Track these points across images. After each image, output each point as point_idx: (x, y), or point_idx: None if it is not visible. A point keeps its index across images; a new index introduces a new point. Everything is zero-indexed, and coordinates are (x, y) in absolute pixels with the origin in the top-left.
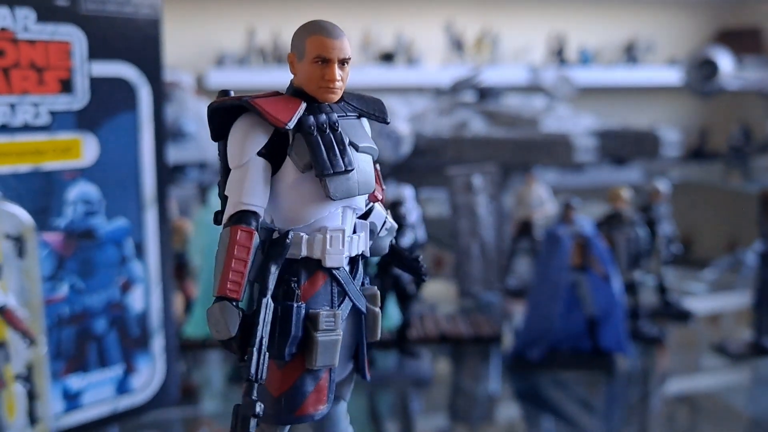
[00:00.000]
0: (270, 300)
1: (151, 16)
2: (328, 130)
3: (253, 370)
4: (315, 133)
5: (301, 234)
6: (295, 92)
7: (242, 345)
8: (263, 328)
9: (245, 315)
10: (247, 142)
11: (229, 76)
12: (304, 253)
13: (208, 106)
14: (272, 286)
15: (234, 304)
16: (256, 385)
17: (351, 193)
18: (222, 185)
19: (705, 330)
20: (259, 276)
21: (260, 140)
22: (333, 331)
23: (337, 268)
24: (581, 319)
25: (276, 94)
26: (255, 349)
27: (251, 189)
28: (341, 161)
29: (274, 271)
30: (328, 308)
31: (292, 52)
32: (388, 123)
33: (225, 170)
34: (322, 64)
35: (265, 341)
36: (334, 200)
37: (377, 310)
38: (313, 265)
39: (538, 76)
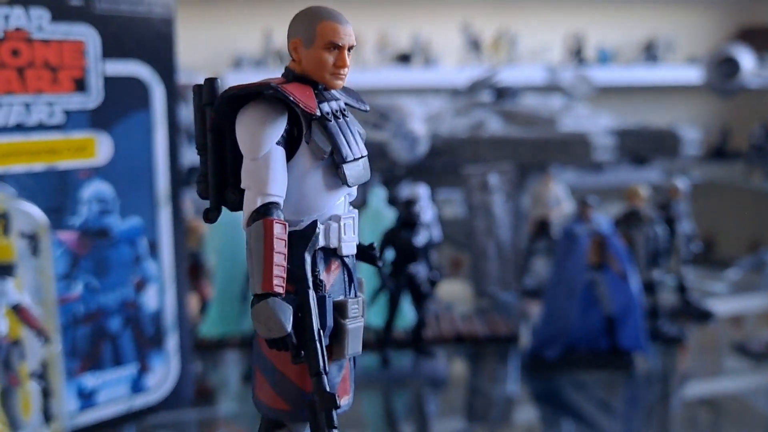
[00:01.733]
0: (313, 291)
1: (165, 15)
2: (341, 117)
3: (321, 362)
4: (332, 120)
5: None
6: (296, 79)
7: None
8: (317, 320)
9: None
10: (266, 130)
11: (246, 78)
12: (321, 242)
13: (225, 94)
14: (311, 277)
15: (282, 299)
16: (325, 377)
17: (362, 179)
18: (203, 179)
19: (727, 331)
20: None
21: (279, 129)
22: (358, 318)
23: (348, 256)
24: (599, 318)
25: (268, 81)
26: (316, 341)
27: (275, 179)
28: (357, 147)
29: (309, 261)
30: (352, 296)
31: (297, 38)
32: (367, 111)
33: (219, 162)
34: (334, 51)
35: (321, 333)
36: (350, 187)
37: (364, 297)
38: (329, 254)
39: (557, 75)
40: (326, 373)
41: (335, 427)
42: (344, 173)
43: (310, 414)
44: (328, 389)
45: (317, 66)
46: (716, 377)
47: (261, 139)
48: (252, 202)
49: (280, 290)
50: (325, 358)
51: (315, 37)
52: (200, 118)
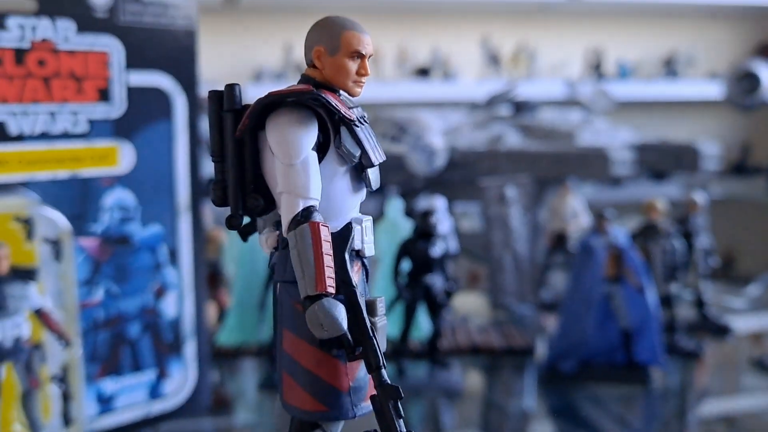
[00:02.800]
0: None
1: (187, 27)
2: (365, 123)
3: (380, 357)
4: (360, 126)
5: None
6: (319, 86)
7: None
8: (367, 317)
9: None
10: (304, 136)
11: (267, 91)
12: (357, 245)
13: (265, 100)
14: (355, 277)
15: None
16: (384, 370)
17: (378, 183)
18: (220, 187)
19: (746, 347)
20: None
21: (314, 134)
22: (384, 316)
23: (367, 257)
24: (615, 331)
25: (299, 89)
26: (372, 337)
27: (314, 183)
28: (380, 153)
29: (349, 262)
30: (378, 296)
31: (321, 46)
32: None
33: (241, 168)
34: (356, 59)
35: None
36: (372, 191)
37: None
38: (353, 255)
39: (576, 90)
40: (385, 367)
41: (402, 417)
42: (368, 177)
43: (375, 409)
44: (389, 381)
45: (341, 74)
46: (734, 394)
47: (300, 144)
48: (293, 206)
49: (332, 291)
50: (382, 352)
51: (340, 46)
52: (218, 125)
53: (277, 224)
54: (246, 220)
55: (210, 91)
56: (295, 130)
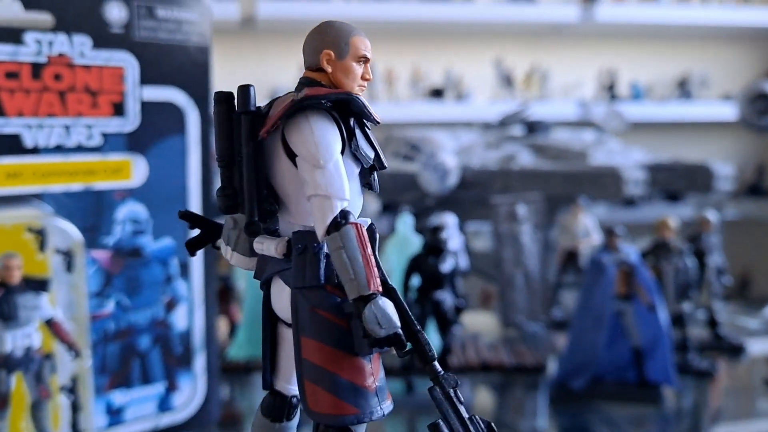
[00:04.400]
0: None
1: (201, 43)
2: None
3: (431, 349)
4: (370, 129)
5: None
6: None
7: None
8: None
9: None
10: (334, 138)
11: None
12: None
13: (305, 102)
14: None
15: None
16: (437, 362)
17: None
18: (231, 193)
19: (760, 368)
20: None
21: (339, 137)
22: None
23: None
24: (626, 349)
25: (327, 91)
26: (420, 331)
27: (346, 185)
28: (385, 157)
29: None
30: None
31: (329, 50)
32: None
33: (258, 172)
34: (362, 63)
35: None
36: (377, 193)
37: None
38: None
39: (589, 110)
40: (436, 359)
41: (462, 402)
42: (375, 180)
43: (435, 399)
44: (442, 371)
45: (349, 77)
46: (749, 417)
47: (332, 146)
48: (331, 208)
49: (381, 289)
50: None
51: (349, 50)
52: (227, 128)
53: (270, 231)
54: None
55: (217, 93)
56: (326, 133)
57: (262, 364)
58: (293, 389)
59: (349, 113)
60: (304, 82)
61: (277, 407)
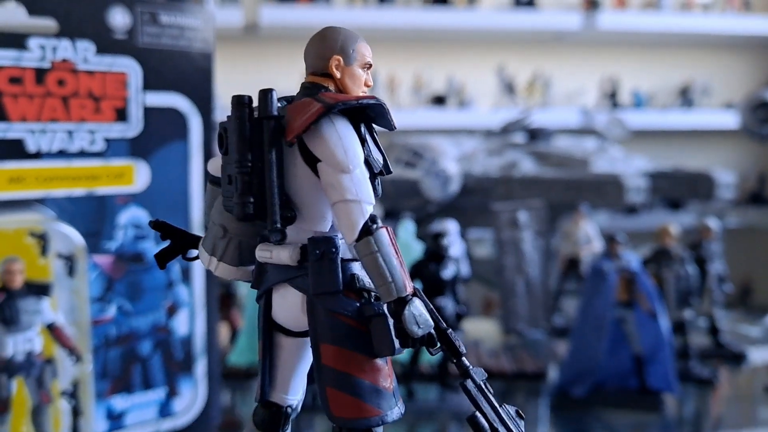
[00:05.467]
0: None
1: (204, 49)
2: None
3: (462, 345)
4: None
5: None
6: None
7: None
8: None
9: None
10: (358, 144)
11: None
12: None
13: (341, 107)
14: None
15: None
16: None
17: None
18: (253, 199)
19: (762, 377)
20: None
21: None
22: None
23: None
24: (628, 356)
25: (348, 97)
26: (447, 328)
27: (371, 190)
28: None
29: None
30: None
31: (337, 55)
32: None
33: (280, 177)
34: (366, 70)
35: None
36: (378, 198)
37: None
38: None
39: (591, 118)
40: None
41: (492, 393)
42: (378, 186)
43: (468, 392)
44: (470, 366)
45: (355, 83)
46: (751, 426)
47: (359, 152)
48: (362, 212)
49: (413, 291)
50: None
51: (356, 57)
52: (248, 132)
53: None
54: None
55: (237, 96)
56: (352, 138)
57: (259, 376)
58: (290, 399)
59: (361, 119)
60: (310, 87)
61: (273, 419)
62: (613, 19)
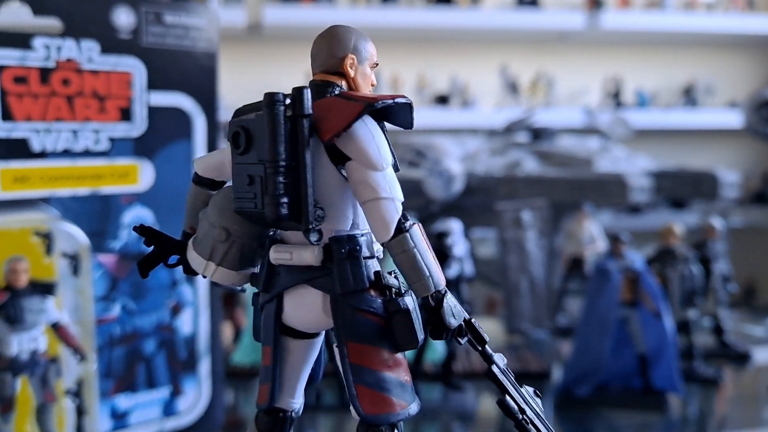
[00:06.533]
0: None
1: (208, 49)
2: None
3: (485, 333)
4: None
5: None
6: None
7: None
8: None
9: None
10: (387, 142)
11: None
12: None
13: (375, 107)
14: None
15: None
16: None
17: None
18: (287, 199)
19: (766, 376)
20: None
21: None
22: None
23: None
24: (632, 356)
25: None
26: (472, 319)
27: (400, 187)
28: None
29: None
30: None
31: (352, 54)
32: None
33: (311, 176)
34: (372, 69)
35: None
36: None
37: None
38: None
39: (594, 117)
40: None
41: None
42: None
43: (492, 378)
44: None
45: (366, 82)
46: (754, 425)
47: (388, 150)
48: (396, 210)
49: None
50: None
51: (367, 56)
52: (283, 131)
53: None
54: None
55: (275, 94)
56: (383, 137)
57: (268, 382)
58: (295, 403)
59: (382, 117)
60: (322, 85)
61: (278, 425)
62: (616, 19)
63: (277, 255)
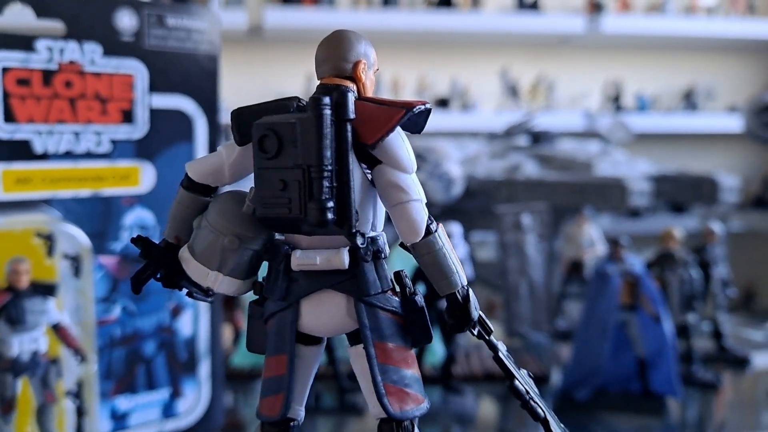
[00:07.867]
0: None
1: (210, 52)
2: None
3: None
4: None
5: None
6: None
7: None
8: None
9: None
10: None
11: None
12: None
13: (418, 110)
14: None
15: None
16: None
17: None
18: (332, 203)
19: (765, 381)
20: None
21: None
22: None
23: None
24: (631, 359)
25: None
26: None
27: None
28: None
29: None
30: None
31: (363, 60)
32: None
33: (352, 180)
34: (375, 74)
35: None
36: None
37: None
38: None
39: (594, 121)
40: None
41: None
42: None
43: (499, 363)
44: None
45: (371, 87)
46: (753, 429)
47: (413, 154)
48: (425, 211)
49: None
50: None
51: (374, 62)
52: (331, 135)
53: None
54: None
55: (316, 98)
56: (407, 141)
57: (282, 392)
58: (302, 411)
59: None
60: (335, 89)
61: None
62: (617, 23)
63: (301, 260)
